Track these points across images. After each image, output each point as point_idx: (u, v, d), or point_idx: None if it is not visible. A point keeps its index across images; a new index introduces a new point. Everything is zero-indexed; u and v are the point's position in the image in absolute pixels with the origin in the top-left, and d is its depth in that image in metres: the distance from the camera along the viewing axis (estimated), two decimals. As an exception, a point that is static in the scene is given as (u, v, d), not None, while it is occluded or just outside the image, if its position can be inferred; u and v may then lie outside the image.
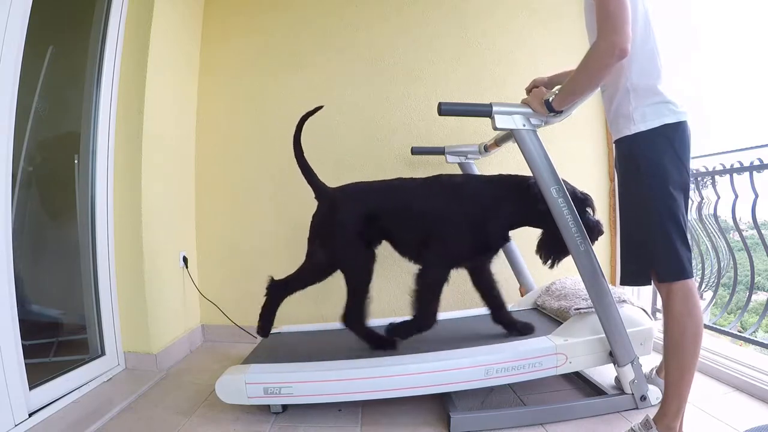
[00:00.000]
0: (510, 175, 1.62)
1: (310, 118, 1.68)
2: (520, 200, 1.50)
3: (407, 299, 2.28)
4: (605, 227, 2.27)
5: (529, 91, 1.53)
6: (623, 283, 1.33)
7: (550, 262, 1.56)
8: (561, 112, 1.30)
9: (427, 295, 1.56)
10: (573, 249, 1.35)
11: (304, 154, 1.68)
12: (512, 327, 1.66)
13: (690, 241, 1.23)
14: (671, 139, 1.17)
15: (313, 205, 1.67)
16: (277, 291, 1.67)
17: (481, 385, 1.45)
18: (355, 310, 1.61)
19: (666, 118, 1.17)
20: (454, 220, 1.54)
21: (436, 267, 1.56)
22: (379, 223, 1.60)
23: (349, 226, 1.58)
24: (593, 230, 1.46)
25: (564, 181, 1.49)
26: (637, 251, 1.26)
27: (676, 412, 1.19)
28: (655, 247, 1.19)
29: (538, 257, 1.59)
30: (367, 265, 1.60)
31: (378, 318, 2.06)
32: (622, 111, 1.23)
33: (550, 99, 1.28)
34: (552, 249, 1.53)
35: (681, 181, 1.19)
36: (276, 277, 1.67)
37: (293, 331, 1.97)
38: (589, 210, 1.50)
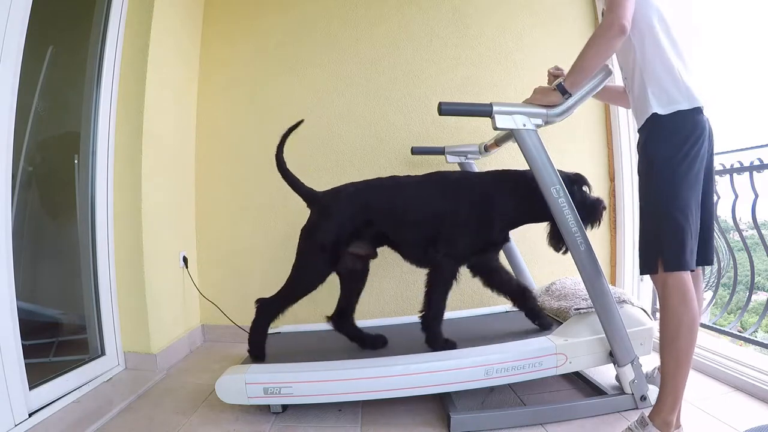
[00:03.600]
0: (510, 170, 1.61)
1: (309, 120, 1.67)
2: (523, 195, 1.49)
3: (407, 299, 2.31)
4: (605, 228, 2.30)
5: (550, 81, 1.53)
6: (641, 272, 1.32)
7: (564, 248, 1.54)
8: (567, 111, 1.31)
9: (438, 292, 1.55)
10: (573, 249, 1.36)
11: (286, 164, 1.65)
12: (535, 317, 1.66)
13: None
14: (687, 129, 1.19)
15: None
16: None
17: (481, 385, 1.45)
18: (273, 307, 1.57)
19: (680, 106, 1.19)
20: (460, 216, 1.52)
21: (449, 265, 1.54)
22: (374, 225, 1.56)
23: (336, 230, 1.53)
24: (595, 208, 1.49)
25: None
26: (650, 241, 1.26)
27: (672, 406, 1.19)
28: (665, 235, 1.20)
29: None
30: (318, 278, 1.55)
31: (378, 318, 2.08)
32: (643, 98, 1.24)
33: (562, 81, 1.29)
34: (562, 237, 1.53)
35: (692, 174, 1.19)
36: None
37: (293, 331, 1.97)
38: (585, 189, 1.52)
